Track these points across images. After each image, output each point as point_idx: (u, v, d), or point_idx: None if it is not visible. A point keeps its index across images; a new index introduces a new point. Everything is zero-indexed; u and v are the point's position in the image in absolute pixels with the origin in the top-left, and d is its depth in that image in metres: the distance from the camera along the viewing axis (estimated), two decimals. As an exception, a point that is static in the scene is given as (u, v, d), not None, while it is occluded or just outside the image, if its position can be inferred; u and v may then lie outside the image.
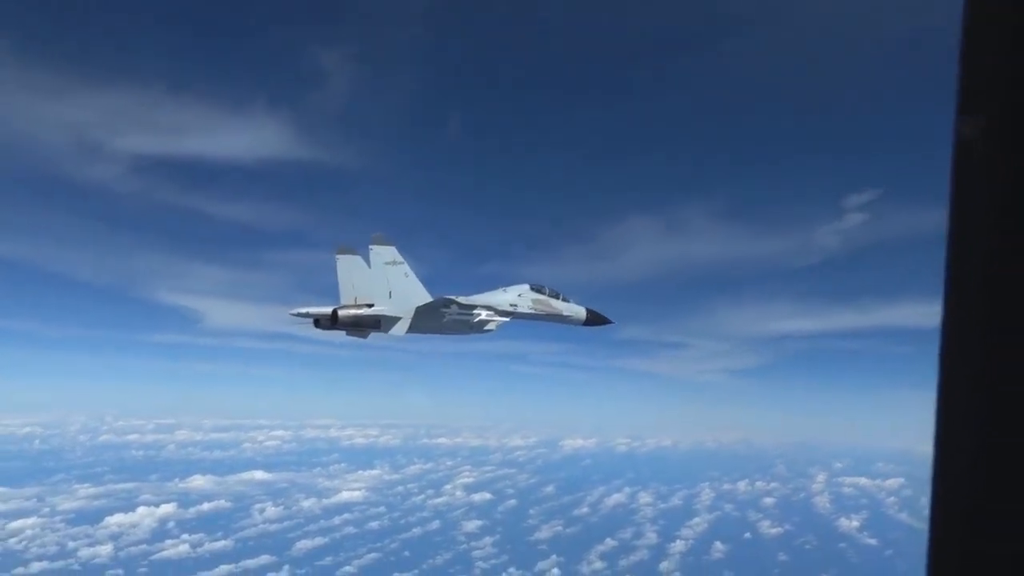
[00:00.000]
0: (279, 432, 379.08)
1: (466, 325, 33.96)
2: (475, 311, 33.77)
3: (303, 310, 33.85)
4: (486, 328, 34.41)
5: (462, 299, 33.67)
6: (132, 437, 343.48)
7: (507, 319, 35.48)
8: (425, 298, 33.53)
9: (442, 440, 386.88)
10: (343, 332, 34.13)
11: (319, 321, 33.75)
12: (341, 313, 32.96)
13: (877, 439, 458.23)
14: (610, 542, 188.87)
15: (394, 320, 33.16)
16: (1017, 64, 1.90)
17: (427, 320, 33.35)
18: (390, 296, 33.24)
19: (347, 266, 34.17)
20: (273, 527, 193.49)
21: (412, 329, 33.41)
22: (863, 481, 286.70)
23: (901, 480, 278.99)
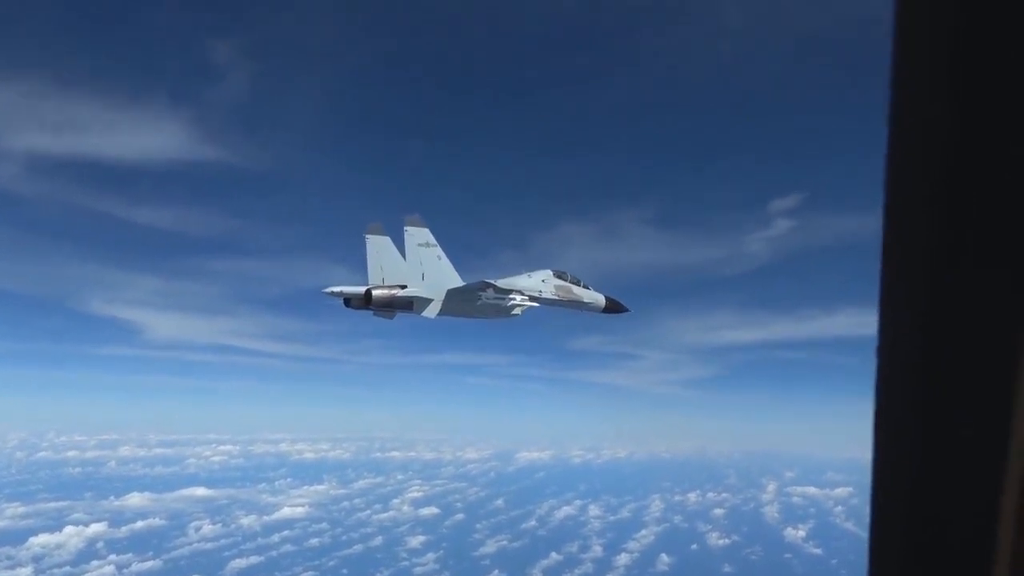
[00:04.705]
0: (227, 447, 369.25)
1: (498, 309, 34.00)
2: (510, 295, 33.66)
3: (336, 289, 33.73)
4: (512, 313, 34.42)
5: (500, 283, 33.46)
6: (71, 454, 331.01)
7: (535, 304, 35.39)
8: (457, 281, 33.77)
9: (395, 454, 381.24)
10: (371, 313, 34.33)
11: (349, 301, 33.79)
12: (375, 293, 33.01)
13: (829, 448, 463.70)
14: (555, 556, 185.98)
15: (427, 302, 33.31)
16: (948, 60, 1.88)
17: (460, 303, 33.60)
18: (423, 278, 33.36)
19: (376, 247, 34.17)
20: (208, 545, 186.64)
21: (443, 311, 33.56)
22: (812, 490, 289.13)
23: (850, 489, 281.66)
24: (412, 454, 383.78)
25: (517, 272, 37.20)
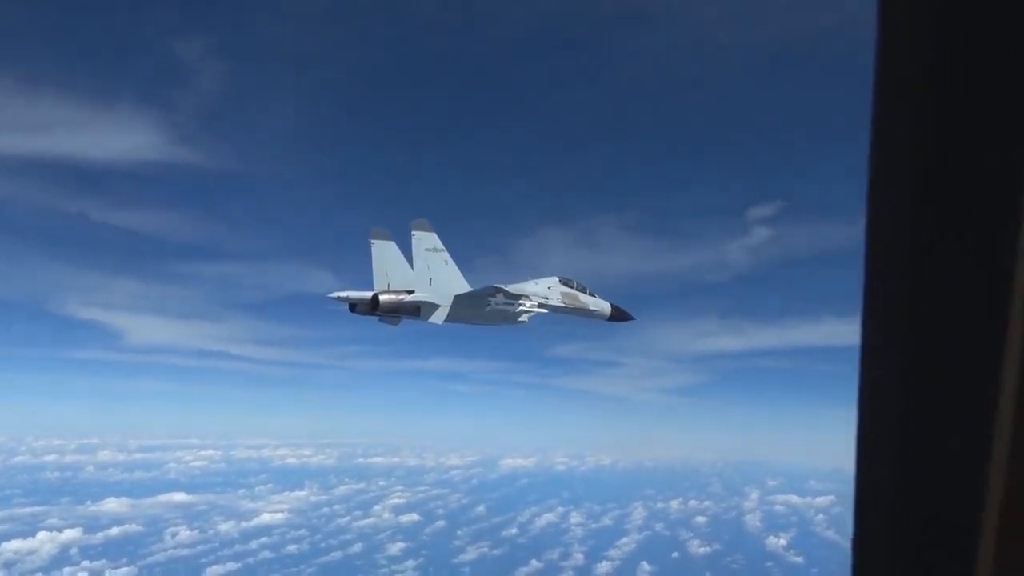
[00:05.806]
0: (208, 452, 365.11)
1: (506, 315, 33.52)
2: (519, 301, 33.23)
3: (342, 294, 33.33)
4: (519, 320, 33.86)
5: (509, 288, 32.96)
6: (49, 458, 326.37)
7: (543, 311, 34.99)
8: (464, 286, 33.27)
9: (378, 459, 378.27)
10: (376, 318, 33.90)
11: (355, 306, 33.37)
12: (382, 298, 32.67)
13: (812, 457, 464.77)
14: (535, 564, 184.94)
15: (434, 307, 32.88)
16: (931, 63, 1.87)
17: (468, 309, 33.15)
18: (430, 283, 32.89)
19: (381, 252, 33.71)
20: (184, 552, 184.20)
21: (451, 317, 33.02)
22: (794, 499, 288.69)
23: (832, 498, 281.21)
24: (395, 460, 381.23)
25: (513, 279, 36.39)
